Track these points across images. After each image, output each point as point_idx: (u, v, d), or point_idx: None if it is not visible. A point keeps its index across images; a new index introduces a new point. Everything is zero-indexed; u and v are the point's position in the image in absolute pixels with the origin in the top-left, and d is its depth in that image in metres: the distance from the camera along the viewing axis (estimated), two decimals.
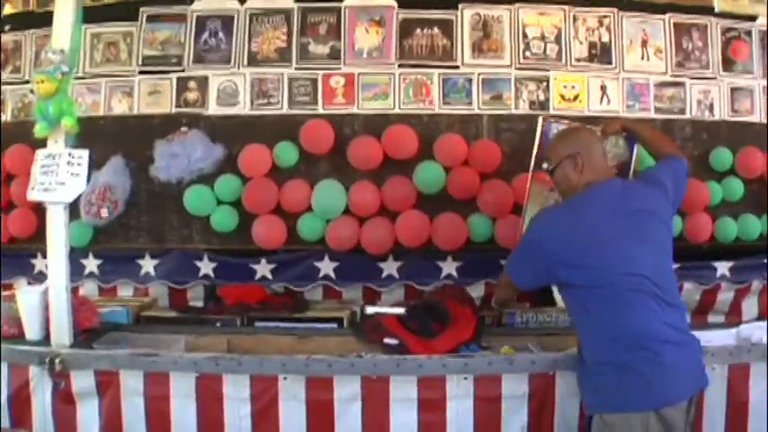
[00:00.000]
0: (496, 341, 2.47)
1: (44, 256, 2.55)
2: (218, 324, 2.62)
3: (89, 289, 3.06)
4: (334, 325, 2.58)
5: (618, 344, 1.88)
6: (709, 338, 2.37)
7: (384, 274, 2.86)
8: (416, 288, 2.87)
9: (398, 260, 2.85)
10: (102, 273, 3.04)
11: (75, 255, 2.95)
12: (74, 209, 2.78)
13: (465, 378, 2.09)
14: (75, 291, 2.98)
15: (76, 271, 2.97)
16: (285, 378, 2.08)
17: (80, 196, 2.72)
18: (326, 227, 2.75)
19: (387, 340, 2.39)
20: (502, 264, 2.30)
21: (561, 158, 2.08)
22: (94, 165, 2.86)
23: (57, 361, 2.14)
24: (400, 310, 2.53)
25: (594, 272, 1.92)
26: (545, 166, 2.14)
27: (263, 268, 2.89)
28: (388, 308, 2.61)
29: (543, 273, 2.02)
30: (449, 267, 2.86)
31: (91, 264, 3.04)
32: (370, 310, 2.60)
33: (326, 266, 2.86)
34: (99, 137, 2.93)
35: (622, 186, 2.07)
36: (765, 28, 3.06)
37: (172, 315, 2.75)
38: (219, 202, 2.83)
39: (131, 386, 2.14)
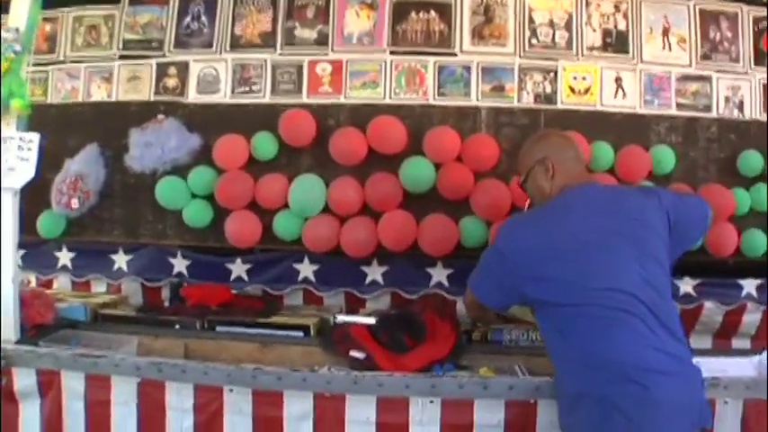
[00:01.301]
0: (479, 360, 2.22)
1: None
2: (177, 326, 2.43)
3: (62, 283, 2.94)
4: (301, 333, 2.36)
5: (598, 373, 1.61)
6: (724, 367, 2.10)
7: (368, 280, 2.63)
8: (404, 296, 2.63)
9: (384, 265, 2.62)
10: (75, 267, 2.90)
11: (49, 246, 2.87)
12: (46, 198, 2.67)
13: (431, 401, 1.86)
14: (48, 284, 2.91)
15: (50, 263, 2.90)
16: (231, 390, 1.92)
17: (43, 183, 2.60)
18: (304, 225, 2.53)
19: (353, 353, 2.16)
20: None
21: (530, 167, 1.90)
22: (70, 153, 2.75)
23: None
24: (371, 321, 2.28)
25: (570, 287, 1.67)
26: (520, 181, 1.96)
27: (238, 268, 2.70)
28: (360, 317, 2.37)
29: (510, 289, 1.78)
30: (439, 275, 2.61)
31: (64, 257, 2.90)
32: (340, 318, 2.37)
33: (306, 269, 2.66)
34: (77, 124, 2.83)
35: (611, 189, 1.81)
36: None
37: (130, 314, 2.56)
38: (194, 196, 2.65)
39: (73, 388, 2.01)
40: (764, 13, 2.75)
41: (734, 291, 2.64)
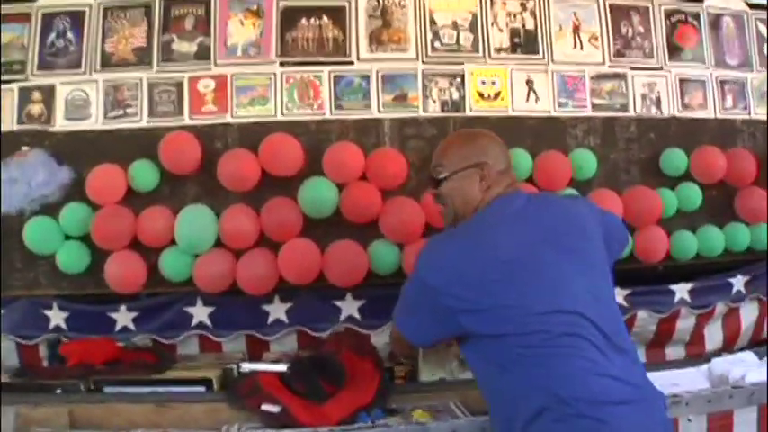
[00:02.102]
0: (409, 401, 2.01)
1: None
2: (58, 390, 2.12)
3: None
4: (202, 388, 2.08)
5: (544, 411, 1.39)
6: (676, 380, 2.00)
7: (270, 319, 2.36)
8: (312, 335, 2.37)
9: (287, 301, 2.36)
10: None
11: None
12: None
13: None
14: None
15: None
16: None
17: None
18: (194, 263, 2.25)
19: (265, 407, 1.90)
20: None
21: (460, 167, 1.62)
22: None
23: None
24: (282, 368, 2.03)
25: (509, 313, 1.43)
26: (438, 174, 1.66)
27: (123, 317, 2.38)
28: (269, 364, 2.11)
29: (442, 322, 1.52)
30: (349, 308, 2.37)
31: None
32: (245, 367, 2.10)
33: (200, 312, 2.36)
34: None
35: (539, 198, 1.61)
36: (714, 10, 2.67)
37: (4, 381, 2.22)
38: (68, 237, 2.34)
39: None
40: (676, 7, 2.67)
41: (667, 297, 2.53)
